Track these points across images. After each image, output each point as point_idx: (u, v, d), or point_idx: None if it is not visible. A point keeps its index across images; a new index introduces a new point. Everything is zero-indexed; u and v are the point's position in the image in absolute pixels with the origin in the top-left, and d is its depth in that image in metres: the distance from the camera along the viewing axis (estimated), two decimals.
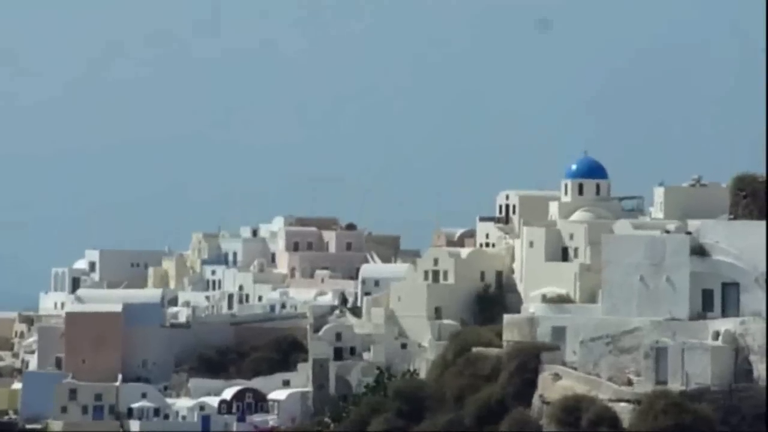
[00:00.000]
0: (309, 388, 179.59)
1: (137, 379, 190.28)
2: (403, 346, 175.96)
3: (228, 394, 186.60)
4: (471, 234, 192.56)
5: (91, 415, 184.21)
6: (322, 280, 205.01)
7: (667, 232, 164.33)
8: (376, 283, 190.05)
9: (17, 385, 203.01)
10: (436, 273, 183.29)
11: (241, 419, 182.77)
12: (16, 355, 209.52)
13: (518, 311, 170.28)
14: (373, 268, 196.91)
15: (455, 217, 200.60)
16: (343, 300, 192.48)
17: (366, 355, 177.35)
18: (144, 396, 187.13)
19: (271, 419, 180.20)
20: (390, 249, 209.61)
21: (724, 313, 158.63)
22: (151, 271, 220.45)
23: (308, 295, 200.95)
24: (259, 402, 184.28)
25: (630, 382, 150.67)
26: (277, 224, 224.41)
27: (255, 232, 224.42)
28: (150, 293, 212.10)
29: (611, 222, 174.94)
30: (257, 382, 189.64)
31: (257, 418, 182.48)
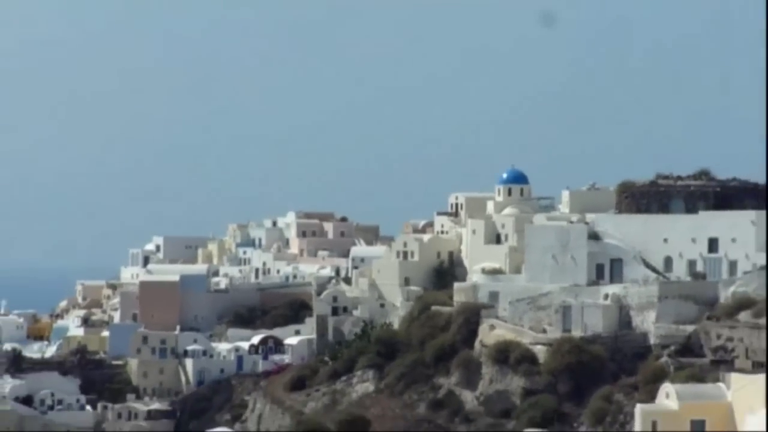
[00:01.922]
0: (313, 336, 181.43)
1: (190, 329, 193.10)
2: (382, 305, 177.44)
3: (255, 340, 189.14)
4: (430, 224, 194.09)
5: (158, 355, 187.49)
6: (323, 258, 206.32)
7: (571, 222, 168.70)
8: (362, 260, 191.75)
9: (105, 333, 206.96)
10: (405, 253, 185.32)
11: (265, 358, 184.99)
12: (104, 312, 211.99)
13: (464, 280, 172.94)
14: (359, 249, 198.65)
15: (419, 211, 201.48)
16: (338, 273, 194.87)
17: (355, 312, 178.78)
18: (195, 341, 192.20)
19: (287, 358, 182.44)
20: (372, 235, 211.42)
21: (612, 281, 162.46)
22: (200, 251, 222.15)
23: (313, 269, 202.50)
24: (278, 346, 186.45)
25: (545, 331, 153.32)
26: (290, 217, 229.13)
27: (274, 223, 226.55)
28: (199, 268, 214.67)
29: (531, 215, 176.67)
30: (276, 332, 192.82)
31: (276, 357, 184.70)
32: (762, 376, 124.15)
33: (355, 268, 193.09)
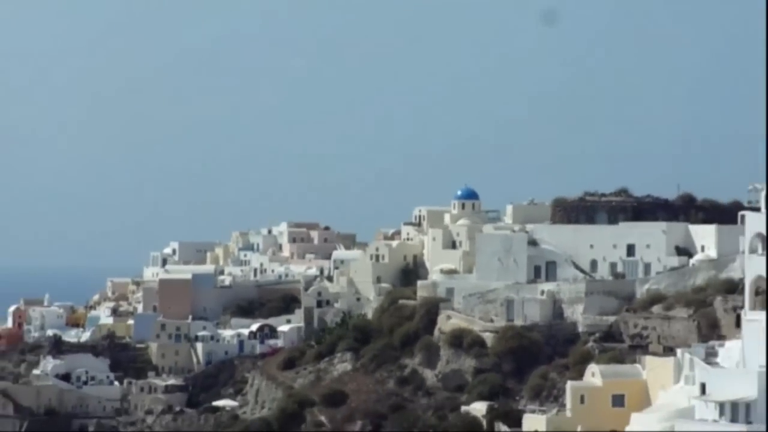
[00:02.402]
0: (302, 324, 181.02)
1: (200, 318, 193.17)
2: (358, 299, 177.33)
3: (254, 327, 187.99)
4: (398, 233, 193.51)
5: (174, 340, 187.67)
6: (310, 261, 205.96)
7: (514, 231, 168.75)
8: (342, 262, 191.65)
9: (130, 321, 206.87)
10: (377, 256, 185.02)
11: (261, 343, 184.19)
12: (129, 304, 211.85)
13: (426, 279, 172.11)
14: (340, 253, 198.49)
15: (389, 221, 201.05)
16: (322, 272, 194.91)
17: (336, 305, 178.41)
18: (204, 328, 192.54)
19: (279, 342, 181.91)
20: (350, 241, 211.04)
21: (547, 280, 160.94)
22: (208, 254, 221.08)
23: (301, 269, 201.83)
24: (272, 332, 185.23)
25: (492, 320, 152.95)
26: (283, 227, 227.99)
27: (270, 231, 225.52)
28: (207, 268, 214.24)
29: (480, 226, 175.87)
30: (271, 321, 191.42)
31: (271, 342, 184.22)
32: (671, 359, 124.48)
33: (336, 268, 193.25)
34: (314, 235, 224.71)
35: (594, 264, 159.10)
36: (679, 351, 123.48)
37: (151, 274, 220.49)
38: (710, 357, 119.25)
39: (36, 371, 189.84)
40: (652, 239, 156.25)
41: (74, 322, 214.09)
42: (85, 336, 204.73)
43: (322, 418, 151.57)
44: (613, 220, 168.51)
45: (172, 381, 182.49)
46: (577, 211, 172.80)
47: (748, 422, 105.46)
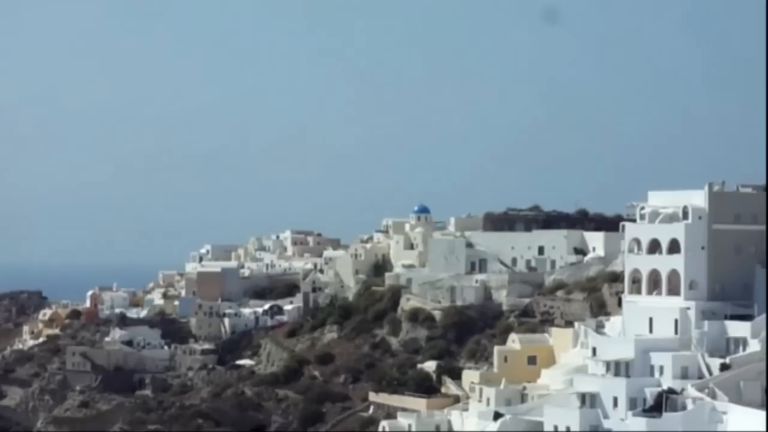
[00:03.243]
0: (301, 305, 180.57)
1: (227, 300, 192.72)
2: (341, 286, 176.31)
3: (266, 307, 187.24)
4: (371, 237, 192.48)
5: (208, 316, 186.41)
6: (307, 258, 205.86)
7: (455, 237, 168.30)
8: (330, 259, 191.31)
9: (176, 302, 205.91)
10: (356, 255, 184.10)
11: (271, 318, 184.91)
12: (175, 290, 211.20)
13: (392, 271, 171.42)
14: (329, 252, 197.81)
15: (365, 229, 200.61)
16: (316, 267, 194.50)
17: (326, 290, 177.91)
18: (230, 307, 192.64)
19: (285, 318, 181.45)
20: (336, 244, 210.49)
21: (480, 272, 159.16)
22: (233, 253, 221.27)
23: (300, 265, 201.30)
24: (279, 310, 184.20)
25: (440, 302, 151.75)
26: (287, 233, 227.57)
27: (277, 237, 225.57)
28: (232, 263, 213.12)
29: (431, 232, 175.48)
30: (279, 302, 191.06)
31: (278, 317, 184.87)
32: (570, 330, 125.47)
33: (326, 264, 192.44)
34: (310, 239, 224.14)
35: (514, 261, 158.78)
36: (576, 324, 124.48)
37: (191, 268, 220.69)
38: (599, 328, 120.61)
39: (107, 339, 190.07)
40: (557, 242, 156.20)
41: (135, 303, 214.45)
42: (143, 313, 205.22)
43: (316, 373, 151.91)
44: (528, 229, 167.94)
45: (206, 346, 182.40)
46: (501, 221, 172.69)
47: (627, 376, 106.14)
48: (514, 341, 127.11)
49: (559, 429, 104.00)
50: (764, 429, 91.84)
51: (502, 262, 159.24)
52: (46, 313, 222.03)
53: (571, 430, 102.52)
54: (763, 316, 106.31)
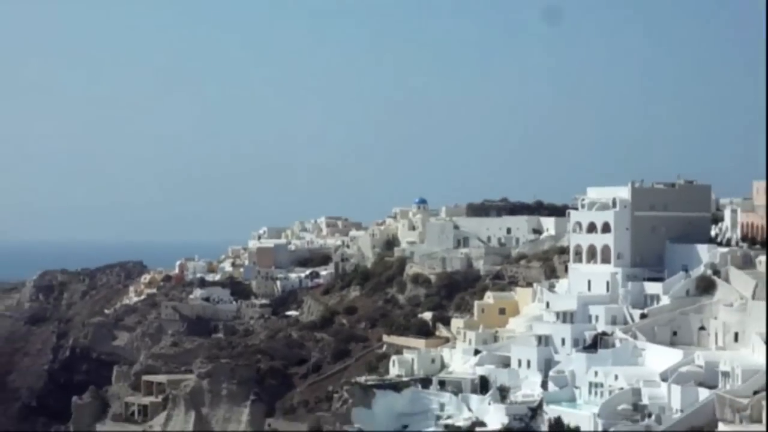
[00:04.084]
0: (333, 271, 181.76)
1: (278, 267, 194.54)
2: (363, 257, 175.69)
3: (307, 272, 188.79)
4: (383, 222, 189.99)
5: (264, 279, 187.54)
6: (337, 237, 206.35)
7: (446, 221, 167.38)
8: (354, 237, 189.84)
9: (242, 270, 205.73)
10: (373, 234, 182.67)
11: (311, 281, 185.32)
12: (241, 260, 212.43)
13: (399, 247, 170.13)
14: (353, 233, 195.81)
15: (379, 215, 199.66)
16: (344, 243, 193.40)
17: (351, 260, 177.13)
18: (281, 273, 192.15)
19: (321, 281, 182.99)
20: (359, 226, 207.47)
21: (464, 247, 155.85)
22: (282, 233, 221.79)
23: (332, 242, 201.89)
24: (317, 275, 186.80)
25: (434, 269, 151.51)
26: (322, 219, 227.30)
27: (315, 221, 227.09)
28: (282, 241, 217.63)
29: (428, 218, 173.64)
30: (317, 269, 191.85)
31: (316, 280, 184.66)
32: (530, 289, 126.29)
33: (351, 241, 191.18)
34: (339, 223, 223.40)
35: (489, 238, 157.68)
36: (534, 285, 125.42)
37: (252, 244, 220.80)
38: (551, 288, 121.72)
39: (191, 296, 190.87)
40: (520, 225, 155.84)
41: (211, 270, 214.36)
42: (217, 277, 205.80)
43: (344, 321, 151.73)
44: (499, 215, 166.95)
45: (263, 301, 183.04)
46: (479, 209, 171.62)
47: (572, 323, 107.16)
48: (489, 297, 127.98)
49: (522, 362, 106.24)
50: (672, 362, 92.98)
51: (480, 240, 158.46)
52: (146, 278, 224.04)
53: (531, 362, 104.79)
54: (674, 277, 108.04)
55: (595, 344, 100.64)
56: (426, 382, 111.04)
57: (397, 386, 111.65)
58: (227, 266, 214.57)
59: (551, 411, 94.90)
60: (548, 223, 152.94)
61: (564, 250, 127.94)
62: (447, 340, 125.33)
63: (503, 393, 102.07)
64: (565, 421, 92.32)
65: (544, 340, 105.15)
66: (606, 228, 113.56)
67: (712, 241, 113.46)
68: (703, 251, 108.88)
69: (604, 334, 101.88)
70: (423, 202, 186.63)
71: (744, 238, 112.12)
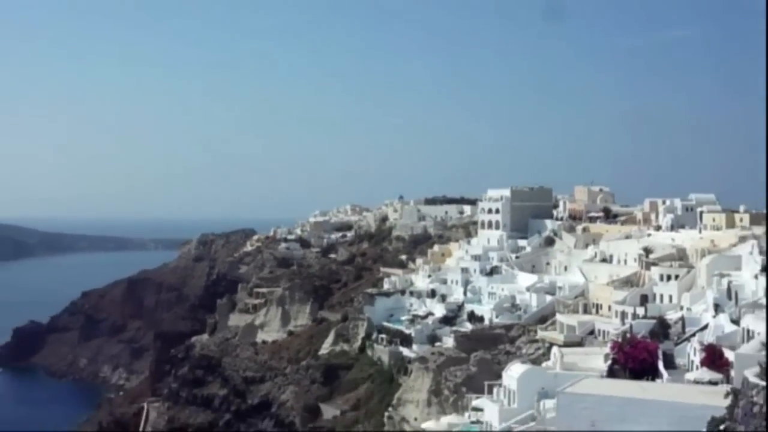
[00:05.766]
0: (353, 234, 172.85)
1: (325, 231, 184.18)
2: (369, 226, 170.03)
3: (339, 235, 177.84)
4: (380, 208, 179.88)
5: (318, 238, 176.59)
6: (356, 215, 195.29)
7: (412, 207, 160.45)
8: (364, 216, 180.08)
9: (305, 232, 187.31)
10: (374, 215, 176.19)
11: (342, 238, 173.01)
12: (306, 227, 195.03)
13: (388, 221, 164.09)
14: (365, 213, 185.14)
15: (377, 203, 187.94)
16: (359, 219, 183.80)
17: (363, 228, 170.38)
18: (325, 234, 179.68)
19: (348, 239, 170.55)
20: (367, 210, 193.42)
21: (424, 221, 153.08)
22: (329, 213, 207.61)
23: (354, 218, 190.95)
24: (345, 236, 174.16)
25: (407, 233, 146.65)
26: (348, 205, 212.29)
27: (342, 207, 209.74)
28: (327, 218, 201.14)
29: (404, 206, 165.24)
30: (344, 232, 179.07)
31: (344, 238, 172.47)
32: (458, 243, 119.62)
33: (363, 217, 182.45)
34: (357, 208, 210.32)
35: (436, 216, 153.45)
36: (460, 241, 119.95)
37: (312, 218, 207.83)
38: (468, 242, 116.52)
39: (279, 247, 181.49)
40: (452, 209, 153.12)
41: (290, 232, 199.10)
42: (292, 237, 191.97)
43: (359, 260, 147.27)
44: (441, 204, 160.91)
45: (316, 249, 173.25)
46: (431, 201, 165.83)
47: (479, 261, 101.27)
48: (436, 248, 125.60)
49: (453, 281, 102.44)
50: (532, 281, 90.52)
51: (431, 217, 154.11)
52: (255, 237, 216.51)
53: (458, 281, 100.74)
54: (533, 237, 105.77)
55: (492, 272, 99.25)
56: (402, 292, 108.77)
57: (387, 294, 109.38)
58: (298, 230, 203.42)
59: (468, 307, 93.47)
60: (467, 209, 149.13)
61: (475, 223, 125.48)
62: (414, 270, 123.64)
63: (443, 297, 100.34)
64: (476, 313, 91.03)
65: (465, 270, 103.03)
66: (497, 211, 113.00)
67: (552, 217, 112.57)
68: (548, 223, 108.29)
69: (496, 267, 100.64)
70: (401, 197, 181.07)
71: (570, 216, 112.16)
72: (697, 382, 30.92)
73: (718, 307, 47.37)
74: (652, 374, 34.84)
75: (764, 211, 75.78)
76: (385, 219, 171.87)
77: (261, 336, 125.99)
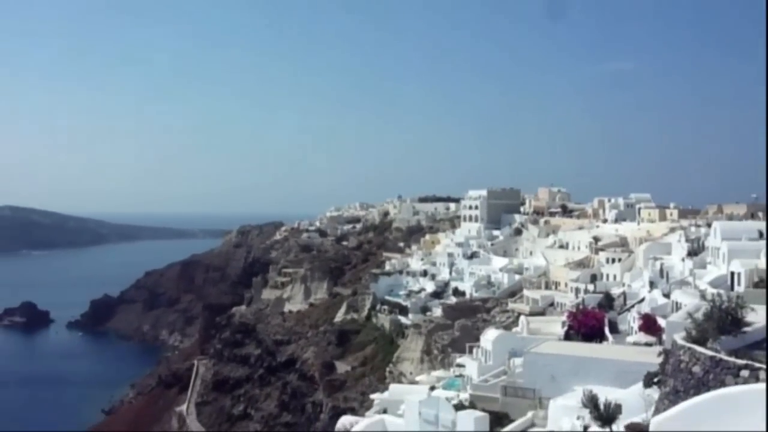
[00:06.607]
0: (361, 225, 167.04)
1: (339, 223, 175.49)
2: (374, 220, 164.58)
3: (350, 226, 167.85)
4: (383, 204, 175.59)
5: (332, 228, 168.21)
6: (364, 210, 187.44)
7: (409, 204, 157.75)
8: (370, 211, 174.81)
9: (323, 223, 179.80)
10: (379, 210, 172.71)
11: (352, 229, 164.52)
12: (323, 220, 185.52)
13: (388, 215, 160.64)
14: (371, 209, 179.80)
15: (380, 200, 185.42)
16: (365, 214, 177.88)
17: (369, 221, 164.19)
18: (339, 225, 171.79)
19: (357, 229, 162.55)
20: (372, 206, 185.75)
21: (418, 215, 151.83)
22: (342, 208, 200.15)
23: (362, 213, 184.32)
24: (355, 227, 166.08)
25: (404, 225, 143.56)
26: (357, 203, 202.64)
27: (349, 206, 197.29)
28: (341, 213, 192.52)
29: (402, 204, 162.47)
30: (355, 224, 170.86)
31: (354, 229, 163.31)
32: (445, 233, 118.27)
33: (369, 212, 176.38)
34: (365, 204, 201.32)
35: (427, 212, 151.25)
36: (446, 231, 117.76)
37: (327, 213, 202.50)
38: (453, 232, 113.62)
39: (302, 236, 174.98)
40: (439, 207, 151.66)
41: (311, 224, 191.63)
42: (313, 228, 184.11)
43: (366, 246, 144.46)
44: (431, 201, 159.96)
45: (331, 238, 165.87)
46: (423, 199, 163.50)
47: (462, 247, 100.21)
48: (427, 236, 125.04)
49: (441, 264, 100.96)
50: (503, 264, 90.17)
51: (423, 212, 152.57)
52: (283, 227, 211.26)
53: (444, 264, 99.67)
54: (504, 228, 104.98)
55: (472, 256, 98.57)
56: (401, 272, 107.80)
57: (389, 274, 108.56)
58: (317, 222, 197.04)
59: (453, 284, 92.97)
60: (452, 206, 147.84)
61: (459, 217, 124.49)
62: (410, 254, 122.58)
63: (433, 276, 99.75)
64: (459, 289, 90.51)
65: (450, 255, 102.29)
66: (477, 207, 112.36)
67: (520, 212, 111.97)
68: (517, 217, 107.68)
69: (475, 252, 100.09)
70: (400, 196, 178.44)
71: (534, 212, 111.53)
72: (635, 344, 31.54)
73: (652, 284, 48.21)
74: (600, 338, 35.43)
75: (689, 207, 79.88)
76: (386, 214, 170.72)
77: (288, 307, 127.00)
